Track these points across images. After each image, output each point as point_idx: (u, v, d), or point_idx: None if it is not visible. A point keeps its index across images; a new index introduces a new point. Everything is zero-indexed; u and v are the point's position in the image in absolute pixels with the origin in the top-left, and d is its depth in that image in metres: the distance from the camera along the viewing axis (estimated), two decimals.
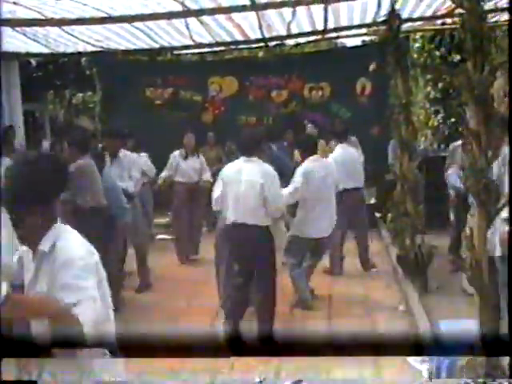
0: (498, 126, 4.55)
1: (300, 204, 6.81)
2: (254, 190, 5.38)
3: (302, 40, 10.48)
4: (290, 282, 6.78)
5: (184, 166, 8.73)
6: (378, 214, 10.36)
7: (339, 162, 7.57)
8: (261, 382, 4.30)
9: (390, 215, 7.88)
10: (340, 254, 7.99)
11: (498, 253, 4.45)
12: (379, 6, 7.93)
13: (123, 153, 7.35)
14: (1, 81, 9.37)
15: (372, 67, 10.80)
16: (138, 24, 8.23)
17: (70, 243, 2.39)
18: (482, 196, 3.61)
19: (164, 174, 8.84)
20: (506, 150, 4.25)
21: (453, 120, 12.44)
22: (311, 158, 6.81)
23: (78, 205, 5.86)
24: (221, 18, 8.11)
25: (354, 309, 6.50)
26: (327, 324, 6.06)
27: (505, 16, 8.52)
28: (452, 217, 7.73)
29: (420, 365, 4.89)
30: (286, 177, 6.59)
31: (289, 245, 6.66)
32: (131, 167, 7.43)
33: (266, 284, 5.55)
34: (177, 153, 8.77)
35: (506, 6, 7.78)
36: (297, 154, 8.38)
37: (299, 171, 6.70)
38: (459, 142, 7.85)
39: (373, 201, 10.91)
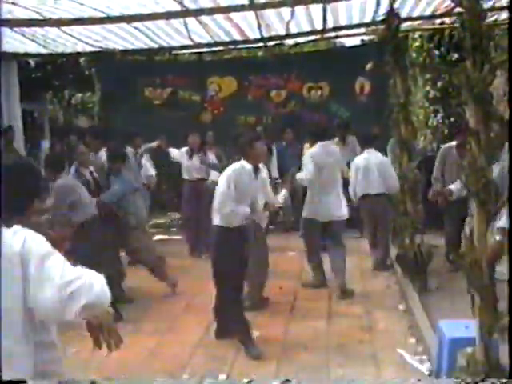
0: (498, 125, 4.56)
1: (308, 186, 7.16)
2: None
3: (300, 40, 10.48)
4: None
5: (188, 164, 8.96)
6: None
7: (362, 166, 7.89)
8: (249, 381, 4.29)
9: None
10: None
11: None
12: (378, 5, 7.93)
13: (103, 152, 7.44)
14: (0, 81, 9.37)
15: (369, 66, 10.81)
16: (136, 24, 8.23)
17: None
18: (482, 196, 3.60)
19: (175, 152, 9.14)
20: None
21: (452, 119, 12.43)
22: (319, 143, 7.08)
23: (74, 221, 6.00)
24: (219, 17, 8.12)
25: (353, 308, 6.50)
26: (327, 323, 6.05)
27: (504, 15, 8.53)
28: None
29: (419, 364, 4.90)
30: None
31: (303, 228, 7.26)
32: None
33: (220, 283, 5.51)
34: (184, 150, 9.00)
35: (505, 4, 7.78)
36: (307, 146, 8.37)
37: (307, 156, 7.08)
38: (453, 143, 7.77)
39: None
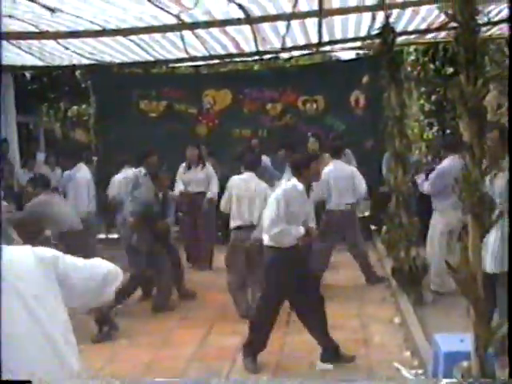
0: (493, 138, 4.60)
1: None
2: None
3: (296, 53, 10.53)
4: None
5: (185, 176, 8.94)
6: (372, 227, 10.38)
7: (331, 177, 7.67)
8: None
9: (384, 227, 7.88)
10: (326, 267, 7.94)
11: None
12: (373, 19, 7.99)
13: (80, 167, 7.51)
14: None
15: (364, 80, 10.85)
16: (132, 37, 8.26)
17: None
18: (477, 209, 3.61)
19: (177, 186, 9.00)
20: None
21: (448, 132, 12.50)
22: None
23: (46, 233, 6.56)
24: (215, 31, 8.15)
25: (349, 321, 6.48)
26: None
27: (498, 30, 8.62)
28: None
29: (414, 377, 4.89)
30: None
31: None
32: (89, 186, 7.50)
33: (262, 301, 5.44)
34: (183, 164, 9.06)
35: (498, 19, 7.87)
36: None
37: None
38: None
39: (367, 213, 10.94)
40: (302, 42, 9.30)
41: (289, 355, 5.57)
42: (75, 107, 18.28)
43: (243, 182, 6.73)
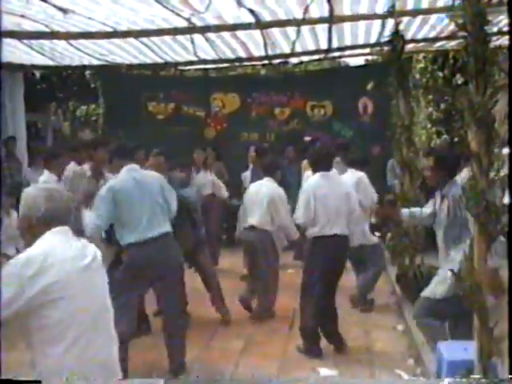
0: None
1: None
2: None
3: (305, 58, 10.55)
4: None
5: (198, 179, 8.96)
6: (377, 234, 10.35)
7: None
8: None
9: (389, 235, 7.87)
10: None
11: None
12: (383, 26, 8.01)
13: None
14: (3, 91, 9.43)
15: (370, 86, 10.86)
16: (143, 39, 8.30)
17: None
18: (482, 218, 3.61)
19: None
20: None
21: (456, 140, 12.46)
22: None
23: None
24: (226, 35, 8.19)
25: (352, 328, 6.48)
26: (325, 343, 6.03)
27: (507, 40, 8.59)
28: None
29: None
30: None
31: None
32: None
33: None
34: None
35: (507, 29, 7.85)
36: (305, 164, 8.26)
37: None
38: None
39: (373, 220, 10.91)
40: (311, 47, 9.32)
41: (291, 360, 5.58)
42: (84, 107, 18.37)
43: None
